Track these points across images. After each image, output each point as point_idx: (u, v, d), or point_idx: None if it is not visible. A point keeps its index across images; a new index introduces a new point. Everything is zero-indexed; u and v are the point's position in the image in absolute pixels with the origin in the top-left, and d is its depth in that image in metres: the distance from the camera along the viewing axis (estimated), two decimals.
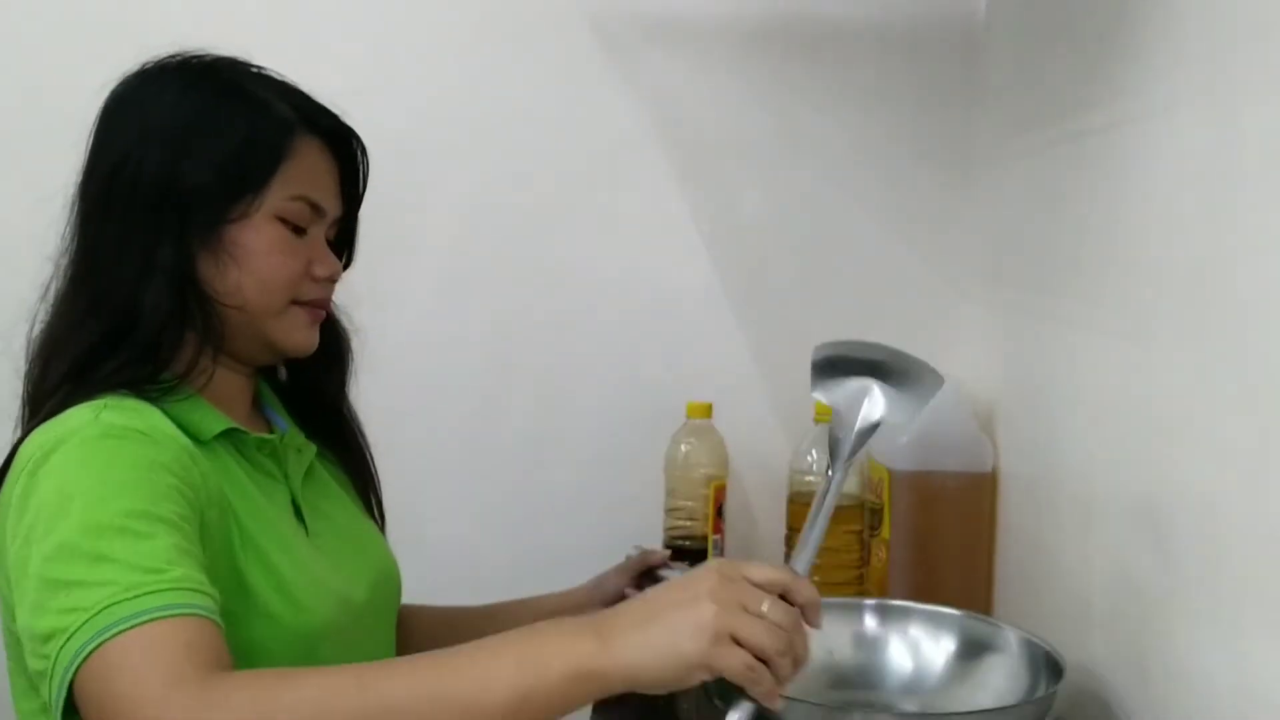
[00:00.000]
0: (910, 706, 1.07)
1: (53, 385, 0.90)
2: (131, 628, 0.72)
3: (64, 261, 0.94)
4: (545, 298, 1.60)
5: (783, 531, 1.47)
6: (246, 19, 1.55)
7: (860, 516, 1.44)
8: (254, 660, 0.87)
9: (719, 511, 1.47)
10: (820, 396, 0.99)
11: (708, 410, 1.49)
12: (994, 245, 1.47)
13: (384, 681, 0.72)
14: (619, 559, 1.24)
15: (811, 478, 1.44)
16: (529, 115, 1.58)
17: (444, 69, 1.59)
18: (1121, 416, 1.02)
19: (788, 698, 0.90)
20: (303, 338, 0.98)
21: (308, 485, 1.01)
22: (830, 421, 0.98)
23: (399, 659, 0.77)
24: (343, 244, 1.04)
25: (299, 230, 0.96)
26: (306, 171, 0.95)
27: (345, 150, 1.00)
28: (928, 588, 1.34)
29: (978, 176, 1.53)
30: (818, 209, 1.58)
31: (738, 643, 0.74)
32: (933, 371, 1.00)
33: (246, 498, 0.91)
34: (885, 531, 1.39)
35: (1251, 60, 0.81)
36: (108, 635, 0.72)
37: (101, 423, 0.83)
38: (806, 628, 0.80)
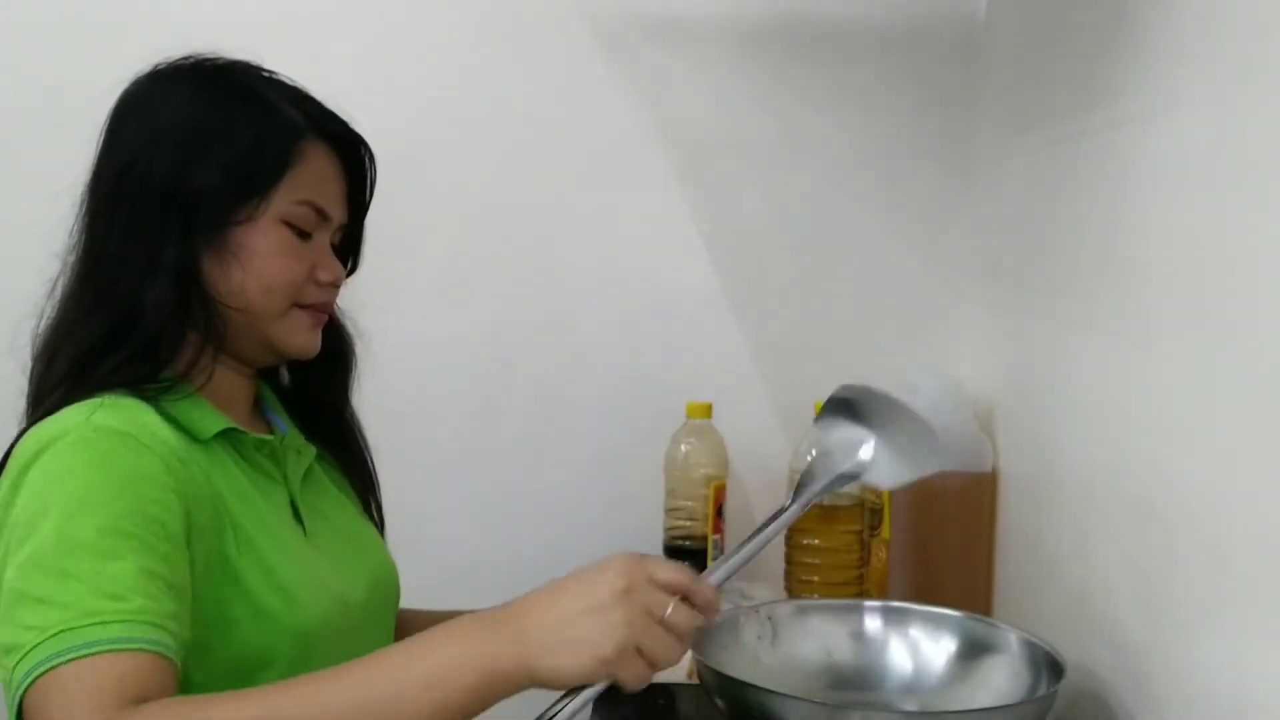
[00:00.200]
0: (910, 707, 1.07)
1: (54, 381, 0.91)
2: (77, 658, 0.74)
3: (71, 259, 0.94)
4: (545, 298, 1.60)
5: (782, 532, 1.46)
6: (247, 19, 1.56)
7: (860, 516, 1.44)
8: (252, 661, 0.87)
9: (719, 511, 1.47)
10: (819, 431, 1.00)
11: (708, 410, 1.49)
12: (994, 245, 1.47)
13: (296, 705, 0.74)
14: None
15: None
16: (529, 115, 1.58)
17: (444, 69, 1.59)
18: (1121, 416, 1.02)
19: (788, 695, 0.90)
20: (304, 340, 0.98)
21: (306, 487, 1.01)
22: (815, 454, 0.98)
23: (309, 675, 0.78)
24: (348, 250, 1.04)
25: (304, 235, 0.96)
26: (314, 177, 0.96)
27: (353, 157, 1.01)
28: (928, 588, 1.34)
29: (978, 176, 1.53)
30: (818, 209, 1.58)
31: (640, 652, 0.78)
32: (939, 451, 1.00)
33: (243, 497, 0.91)
34: (885, 531, 1.39)
35: (1251, 60, 0.81)
36: (55, 662, 0.74)
37: (92, 425, 0.83)
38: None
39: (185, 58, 0.97)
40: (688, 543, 1.47)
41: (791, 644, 1.11)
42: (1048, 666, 0.99)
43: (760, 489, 1.58)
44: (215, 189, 0.92)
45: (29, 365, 0.95)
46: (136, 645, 0.75)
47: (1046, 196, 1.26)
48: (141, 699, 0.74)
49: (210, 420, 0.92)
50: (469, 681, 0.77)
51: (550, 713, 0.79)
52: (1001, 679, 1.03)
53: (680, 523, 1.48)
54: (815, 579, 1.41)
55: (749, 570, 1.58)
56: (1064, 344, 1.19)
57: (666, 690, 1.14)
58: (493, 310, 1.60)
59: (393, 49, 1.59)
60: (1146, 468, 0.97)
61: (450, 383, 1.60)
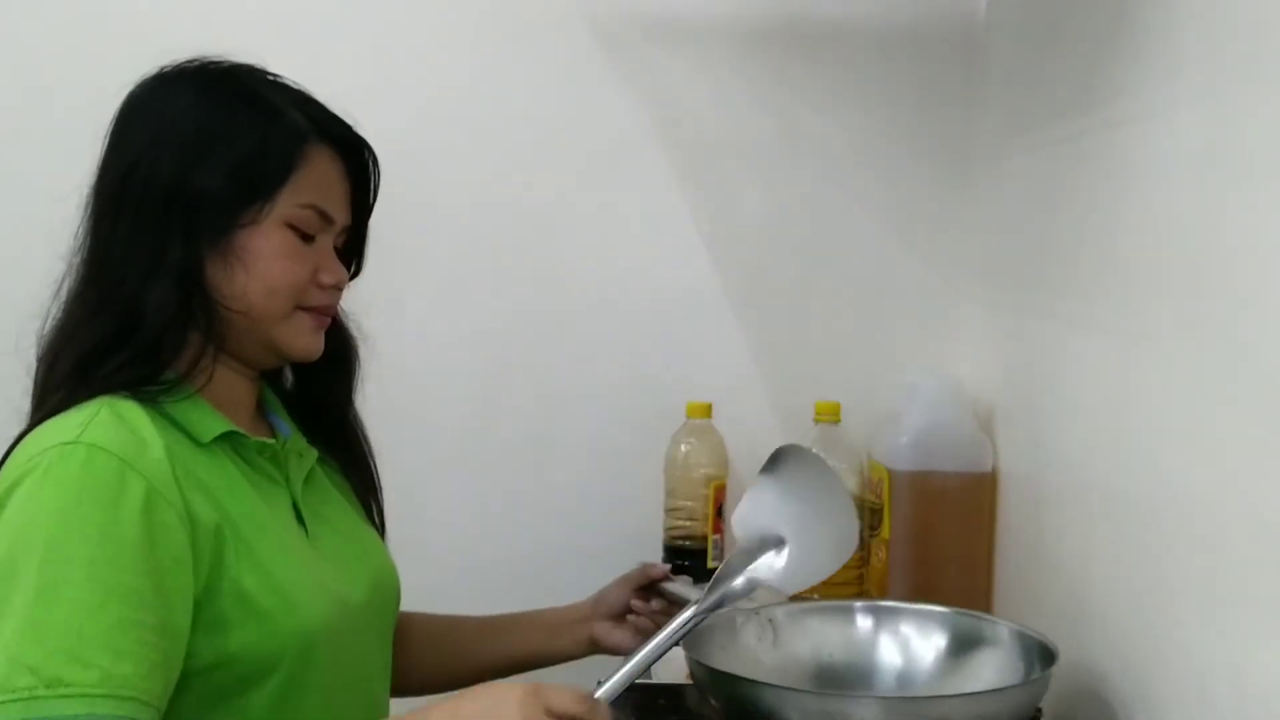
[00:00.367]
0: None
1: (57, 382, 0.91)
2: None
3: (76, 260, 0.95)
4: (545, 298, 1.60)
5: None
6: (247, 19, 1.56)
7: (860, 516, 1.44)
8: (254, 668, 0.87)
9: (719, 511, 1.47)
10: (742, 517, 1.04)
11: (708, 410, 1.49)
12: (994, 245, 1.47)
13: None
14: (619, 559, 1.24)
15: None
16: (529, 115, 1.58)
17: (444, 70, 1.59)
18: (1121, 416, 1.02)
19: (779, 685, 0.91)
20: (308, 343, 0.98)
21: (309, 490, 1.01)
22: (737, 550, 1.01)
23: None
24: (351, 253, 1.04)
25: (307, 238, 0.96)
26: (317, 180, 0.96)
27: (357, 160, 1.01)
28: (927, 588, 1.34)
29: (978, 176, 1.53)
30: (818, 209, 1.58)
31: None
32: (850, 538, 1.07)
33: (243, 500, 0.91)
34: (885, 531, 1.39)
35: (1251, 60, 0.81)
36: None
37: (83, 443, 0.83)
38: None
39: (190, 61, 0.97)
40: (688, 543, 1.47)
41: (788, 645, 1.11)
42: (1040, 655, 0.99)
43: None
44: (219, 192, 0.92)
45: (34, 366, 0.95)
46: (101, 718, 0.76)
47: (1046, 196, 1.26)
48: None
49: (211, 423, 0.92)
50: None
51: None
52: (994, 670, 1.04)
53: (680, 523, 1.48)
54: None
55: None
56: (1064, 344, 1.19)
57: (666, 690, 1.15)
58: (492, 310, 1.60)
59: (393, 49, 1.59)
60: (1146, 468, 0.97)
61: (450, 383, 1.60)
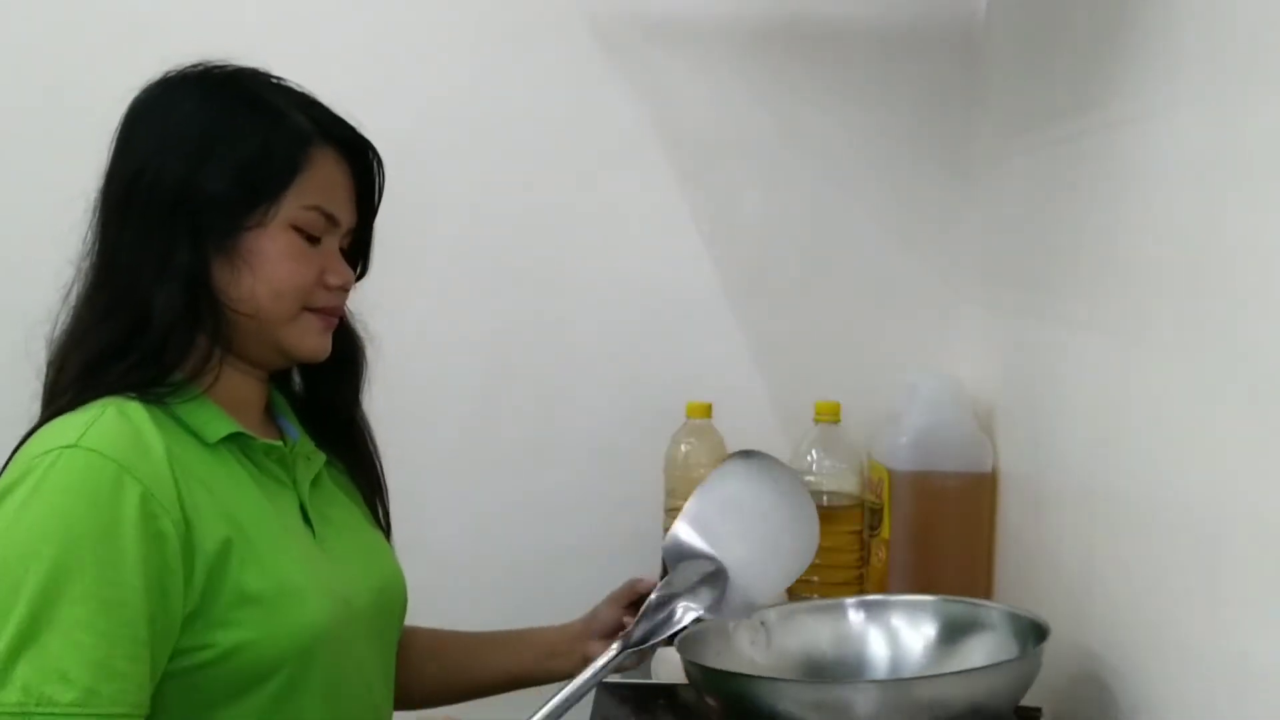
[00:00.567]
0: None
1: (65, 384, 0.92)
2: None
3: (84, 265, 0.95)
4: (545, 298, 1.60)
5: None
6: (247, 21, 1.56)
7: (860, 516, 1.44)
8: (252, 662, 0.87)
9: None
10: (672, 544, 1.03)
11: (708, 410, 1.49)
12: (994, 245, 1.47)
13: None
14: (619, 559, 1.24)
15: (812, 477, 1.44)
16: (529, 115, 1.58)
17: (444, 70, 1.59)
18: (1121, 416, 1.02)
19: (772, 678, 0.90)
20: (315, 343, 0.99)
21: (316, 493, 1.02)
22: (667, 580, 1.01)
23: None
24: (357, 253, 1.05)
25: (313, 239, 0.96)
26: (322, 182, 0.96)
27: (361, 162, 1.01)
28: (927, 587, 1.33)
29: (978, 176, 1.53)
30: (818, 209, 1.58)
31: None
32: (807, 547, 1.05)
33: (248, 500, 0.92)
34: (885, 531, 1.39)
35: (1251, 60, 0.81)
36: None
37: (81, 450, 0.84)
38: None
39: (195, 65, 0.97)
40: None
41: (782, 645, 1.11)
42: (1033, 633, 0.99)
43: None
44: (224, 195, 0.92)
45: (43, 370, 0.95)
46: None
47: (1046, 196, 1.26)
48: None
49: (218, 424, 0.93)
50: None
51: None
52: (987, 652, 1.04)
53: None
54: (815, 579, 1.41)
55: None
56: (1064, 344, 1.19)
57: (666, 690, 1.15)
58: (492, 310, 1.60)
59: (393, 49, 1.59)
60: (1146, 468, 0.97)
61: (450, 383, 1.60)
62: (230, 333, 0.94)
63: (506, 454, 1.61)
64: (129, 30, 1.55)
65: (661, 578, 1.04)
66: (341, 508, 1.06)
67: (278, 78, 0.99)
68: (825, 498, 1.44)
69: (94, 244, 0.95)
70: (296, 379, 1.09)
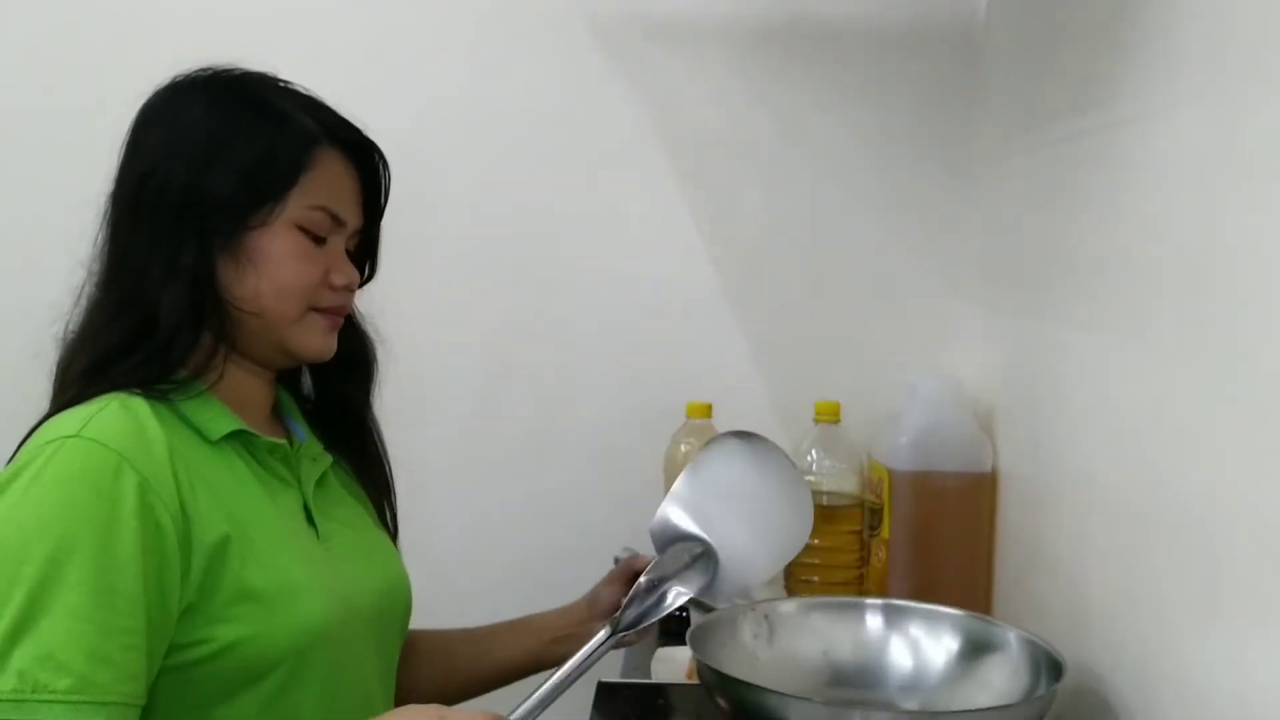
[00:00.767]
0: (910, 705, 1.07)
1: (71, 381, 0.93)
2: None
3: (95, 267, 0.96)
4: (545, 298, 1.60)
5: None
6: (247, 21, 1.56)
7: (860, 516, 1.45)
8: (249, 659, 0.88)
9: None
10: (660, 526, 1.02)
11: (708, 410, 1.49)
12: (994, 245, 1.47)
13: None
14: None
15: (812, 477, 1.44)
16: (529, 115, 1.58)
17: (444, 70, 1.59)
18: (1121, 416, 1.02)
19: (787, 694, 0.90)
20: (320, 343, 0.99)
21: (321, 492, 1.02)
22: (656, 563, 1.00)
23: None
24: (364, 255, 1.06)
25: (319, 239, 0.97)
26: (327, 182, 0.97)
27: (367, 164, 1.02)
28: (927, 588, 1.34)
29: (978, 176, 1.53)
30: (818, 209, 1.58)
31: None
32: (800, 526, 1.04)
33: (249, 498, 0.92)
34: (885, 531, 1.39)
35: (1251, 60, 0.81)
36: None
37: (83, 440, 0.84)
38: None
39: (202, 70, 0.98)
40: None
41: (791, 642, 1.11)
42: (1047, 666, 0.98)
43: None
44: (230, 195, 0.93)
45: (54, 371, 0.96)
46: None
47: (1046, 197, 1.26)
48: None
49: (221, 421, 0.93)
50: None
51: None
52: (1002, 678, 1.03)
53: None
54: (815, 579, 1.41)
55: None
56: (1064, 344, 1.19)
57: (666, 690, 1.15)
58: (493, 311, 1.60)
59: (393, 49, 1.59)
60: (1146, 468, 0.97)
61: (450, 383, 1.60)
62: (235, 331, 0.95)
63: (506, 454, 1.61)
64: (137, 33, 1.55)
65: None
66: (347, 508, 1.06)
67: (284, 81, 1.00)
68: (825, 498, 1.44)
69: (104, 245, 0.96)
70: (306, 380, 1.09)
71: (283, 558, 0.91)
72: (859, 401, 1.49)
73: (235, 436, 0.94)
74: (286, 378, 1.07)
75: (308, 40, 1.55)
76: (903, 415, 1.42)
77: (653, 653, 1.24)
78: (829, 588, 1.40)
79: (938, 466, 1.38)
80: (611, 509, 1.57)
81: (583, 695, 1.09)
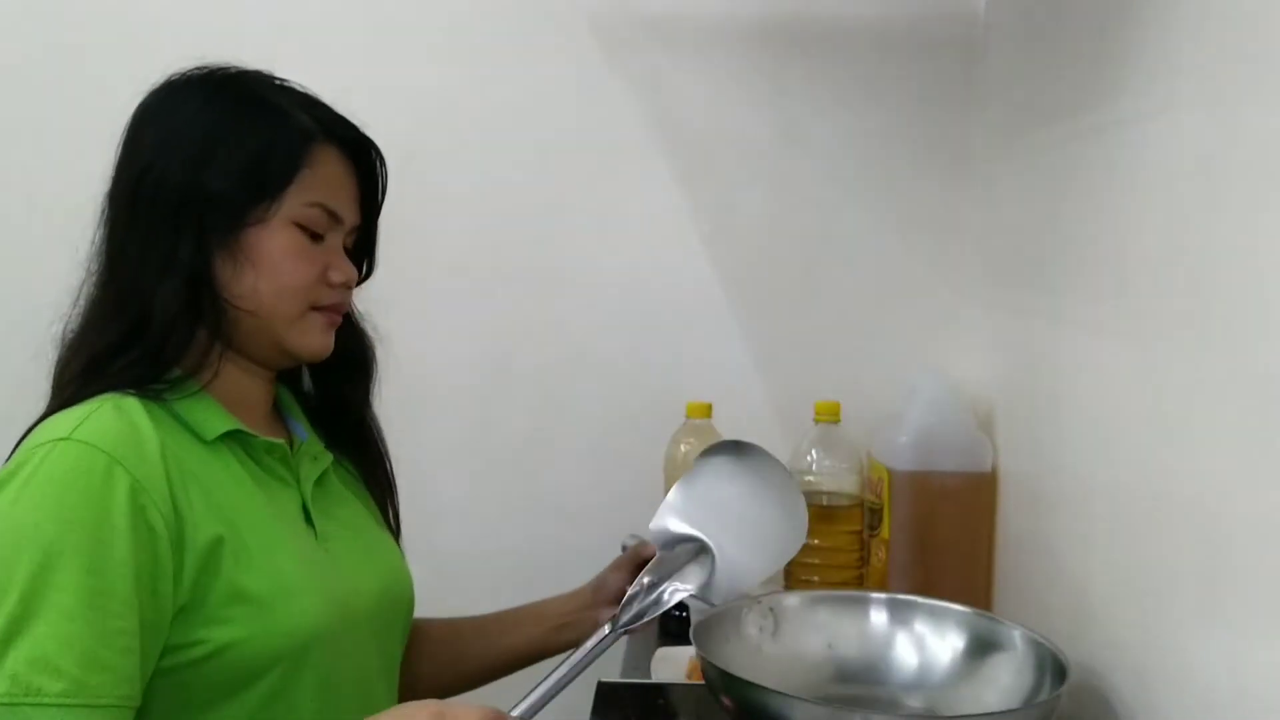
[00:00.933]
0: (915, 703, 1.06)
1: (68, 380, 0.93)
2: None
3: (93, 266, 0.96)
4: (545, 298, 1.60)
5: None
6: (247, 21, 1.56)
7: (860, 516, 1.45)
8: (245, 660, 0.88)
9: None
10: (660, 525, 1.03)
11: (708, 410, 1.49)
12: (994, 245, 1.47)
13: None
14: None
15: (812, 477, 1.44)
16: (529, 115, 1.58)
17: (444, 69, 1.59)
18: (1121, 416, 1.02)
19: (790, 695, 0.90)
20: (318, 342, 0.99)
21: (321, 492, 1.02)
22: (655, 562, 1.00)
23: None
24: (362, 252, 1.06)
25: (316, 237, 0.97)
26: (324, 180, 0.97)
27: (364, 161, 1.02)
28: (927, 587, 1.34)
29: (978, 176, 1.54)
30: (818, 209, 1.59)
31: None
32: (794, 534, 1.05)
33: (244, 498, 0.92)
34: (885, 531, 1.39)
35: (1252, 60, 0.81)
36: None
37: (74, 442, 0.84)
38: None
39: (198, 68, 0.98)
40: None
41: (795, 636, 1.11)
42: (1052, 667, 0.98)
43: None
44: (227, 192, 0.93)
45: (53, 371, 0.96)
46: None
47: (1046, 196, 1.26)
48: None
49: (216, 421, 0.93)
50: None
51: None
52: (1006, 677, 1.02)
53: None
54: (815, 578, 1.41)
55: None
56: (1064, 344, 1.19)
57: (666, 690, 1.15)
58: (492, 311, 1.60)
59: (393, 49, 1.59)
60: (1146, 467, 0.97)
61: (451, 383, 1.60)
62: (231, 330, 0.95)
63: (506, 454, 1.61)
64: (136, 33, 1.55)
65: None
66: (348, 507, 1.06)
67: (281, 79, 1.00)
68: (825, 498, 1.44)
69: (101, 244, 0.96)
70: (306, 379, 1.09)
71: (277, 559, 0.91)
72: (859, 401, 1.49)
73: (231, 436, 0.94)
74: (287, 375, 1.06)
75: (307, 40, 1.55)
76: (903, 415, 1.42)
77: (653, 653, 1.25)
78: (829, 587, 1.40)
79: (938, 466, 1.39)
80: (612, 508, 1.57)
81: (583, 695, 1.09)
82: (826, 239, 1.59)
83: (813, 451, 1.45)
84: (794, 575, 1.43)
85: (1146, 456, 0.97)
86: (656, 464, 1.50)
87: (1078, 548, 1.13)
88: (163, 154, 0.94)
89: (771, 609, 1.11)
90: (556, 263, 1.60)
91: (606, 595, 1.13)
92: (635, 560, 1.13)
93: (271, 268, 0.94)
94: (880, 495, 1.40)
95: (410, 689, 1.09)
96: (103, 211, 0.96)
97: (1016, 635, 1.04)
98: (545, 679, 0.89)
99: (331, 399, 1.09)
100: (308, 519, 0.98)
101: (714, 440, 1.48)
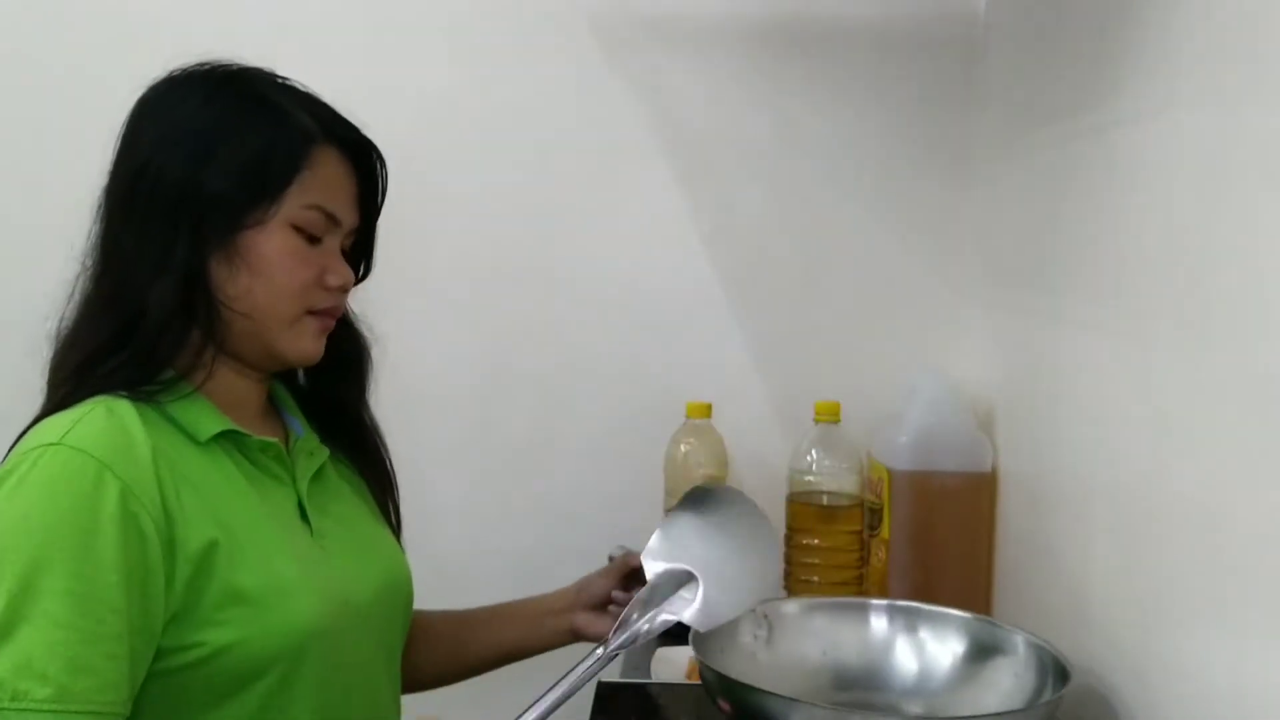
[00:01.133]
0: (915, 708, 1.06)
1: (62, 379, 0.92)
2: None
3: (88, 261, 0.96)
4: (545, 298, 1.60)
5: (782, 531, 1.47)
6: (247, 21, 1.56)
7: (860, 516, 1.44)
8: (243, 660, 0.87)
9: None
10: (653, 552, 1.05)
11: (708, 410, 1.49)
12: (994, 245, 1.47)
13: None
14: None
15: (812, 477, 1.44)
16: (529, 115, 1.58)
17: (444, 69, 1.59)
18: (1121, 416, 1.02)
19: (788, 698, 0.90)
20: (309, 348, 0.99)
21: (317, 487, 1.02)
22: (647, 585, 1.02)
23: None
24: (359, 254, 1.05)
25: (314, 239, 0.96)
26: (324, 181, 0.96)
27: (365, 162, 1.01)
28: (927, 587, 1.34)
29: (977, 177, 1.54)
30: (817, 209, 1.58)
31: None
32: (769, 577, 1.11)
33: (238, 499, 0.92)
34: (885, 531, 1.39)
35: (1252, 60, 0.81)
36: None
37: (64, 447, 0.84)
38: None
39: (200, 64, 0.97)
40: None
41: (793, 643, 1.11)
42: (1054, 670, 0.98)
43: (760, 489, 1.57)
44: (225, 192, 0.92)
45: (47, 367, 0.96)
46: None
47: (1046, 196, 1.26)
48: None
49: (209, 422, 0.93)
50: None
51: None
52: (1007, 682, 1.02)
53: None
54: (815, 579, 1.41)
55: None
56: (1064, 344, 1.19)
57: (666, 690, 1.15)
58: (492, 311, 1.60)
59: (393, 49, 1.59)
60: (1146, 468, 0.97)
61: (451, 384, 1.60)
62: (225, 331, 0.94)
63: (506, 454, 1.61)
64: (136, 30, 1.56)
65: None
66: (345, 502, 1.05)
67: (283, 77, 0.99)
68: (825, 498, 1.44)
69: (98, 238, 0.95)
70: (301, 374, 1.09)
71: (273, 559, 0.90)
72: (859, 401, 1.49)
73: (225, 436, 0.94)
74: (282, 372, 1.06)
75: (307, 40, 1.55)
76: (903, 415, 1.42)
77: (653, 653, 1.25)
78: (829, 587, 1.40)
79: (938, 466, 1.38)
80: (612, 509, 1.57)
81: (583, 695, 1.09)
82: (826, 239, 1.59)
83: (813, 451, 1.45)
84: (794, 575, 1.43)
85: (1146, 456, 0.97)
86: (656, 464, 1.50)
87: (1078, 547, 1.13)
88: (162, 150, 0.93)
89: (766, 616, 1.11)
90: (556, 263, 1.60)
91: (588, 599, 1.13)
92: (622, 568, 1.13)
93: (267, 270, 0.93)
94: (880, 495, 1.40)
95: (410, 680, 1.09)
96: (99, 206, 0.95)
97: (1016, 639, 1.04)
98: (536, 703, 0.90)
99: (328, 399, 1.09)
100: (303, 517, 0.98)
101: (714, 440, 1.49)
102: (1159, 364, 0.95)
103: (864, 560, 1.45)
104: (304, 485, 1.00)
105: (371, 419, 1.11)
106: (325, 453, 1.05)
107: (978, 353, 1.50)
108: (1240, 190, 0.82)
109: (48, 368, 0.95)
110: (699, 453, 1.47)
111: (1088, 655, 1.05)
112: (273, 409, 1.05)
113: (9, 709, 0.77)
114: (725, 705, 0.96)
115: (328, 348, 1.02)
